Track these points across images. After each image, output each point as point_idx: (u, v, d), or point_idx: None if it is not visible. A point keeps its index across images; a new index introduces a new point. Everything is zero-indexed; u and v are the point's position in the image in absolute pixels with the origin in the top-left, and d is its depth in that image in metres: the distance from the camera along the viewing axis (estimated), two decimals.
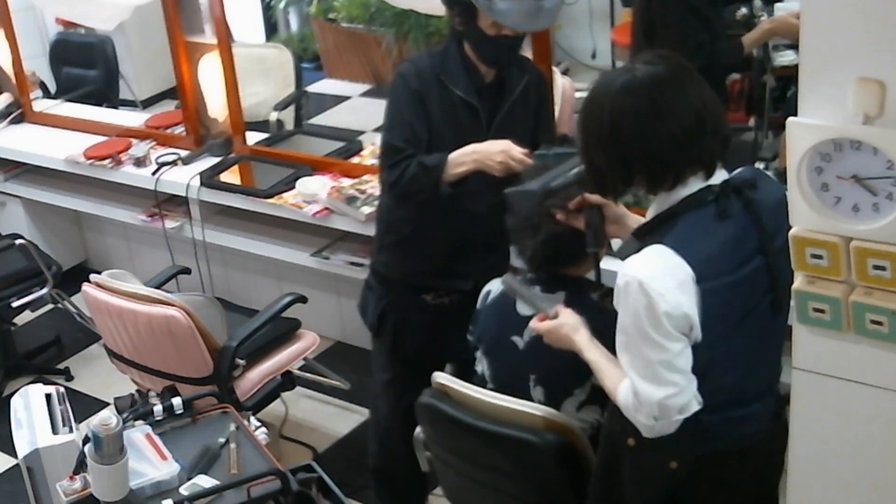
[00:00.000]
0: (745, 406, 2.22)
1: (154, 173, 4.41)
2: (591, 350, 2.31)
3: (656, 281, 2.04)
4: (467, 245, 2.99)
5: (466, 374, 2.80)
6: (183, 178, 4.31)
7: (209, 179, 4.25)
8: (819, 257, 1.86)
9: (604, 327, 2.61)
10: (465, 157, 2.82)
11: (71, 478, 2.35)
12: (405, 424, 2.93)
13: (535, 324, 2.45)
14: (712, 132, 2.11)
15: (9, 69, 5.09)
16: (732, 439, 2.19)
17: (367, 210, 3.75)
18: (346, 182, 4.00)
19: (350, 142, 4.42)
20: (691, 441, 2.18)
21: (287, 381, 3.66)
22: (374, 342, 3.27)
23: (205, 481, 2.38)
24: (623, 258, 2.15)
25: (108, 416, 2.17)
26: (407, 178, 2.84)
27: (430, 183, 2.83)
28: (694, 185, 2.14)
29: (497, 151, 2.77)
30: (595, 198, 2.41)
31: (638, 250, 2.12)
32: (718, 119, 2.15)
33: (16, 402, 2.88)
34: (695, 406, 2.10)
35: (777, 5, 3.74)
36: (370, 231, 3.59)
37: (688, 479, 2.25)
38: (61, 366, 4.68)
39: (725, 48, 3.53)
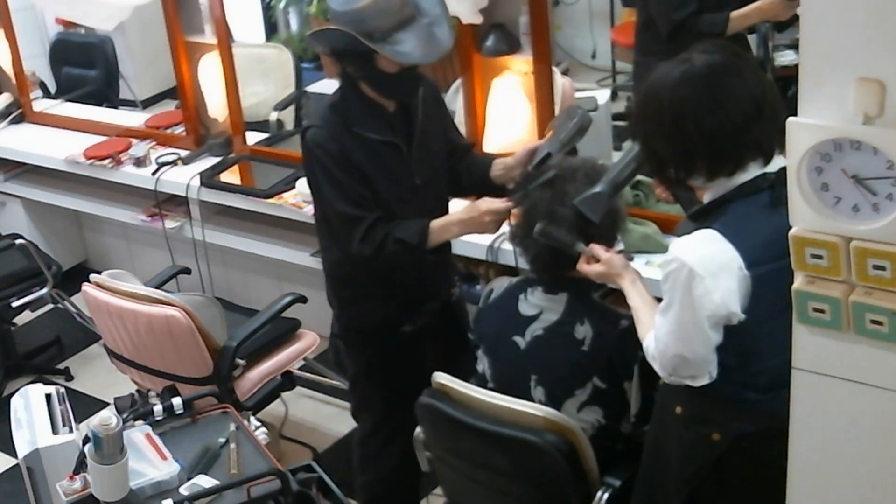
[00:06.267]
0: None
1: (154, 173, 4.41)
2: (632, 296, 2.42)
3: (699, 264, 2.11)
4: (425, 266, 2.95)
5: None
6: (183, 178, 4.31)
7: (209, 179, 4.25)
8: (819, 257, 1.86)
9: (605, 328, 2.63)
10: (449, 228, 2.84)
11: (71, 478, 2.34)
12: (403, 465, 2.95)
13: (582, 266, 2.54)
14: (771, 118, 2.14)
15: (9, 69, 5.09)
16: (779, 418, 2.19)
17: None
18: None
19: None
20: (737, 416, 2.25)
21: (287, 381, 3.66)
22: (362, 388, 3.21)
23: (205, 481, 2.38)
24: (678, 237, 2.24)
25: (108, 416, 2.17)
26: (387, 254, 2.82)
27: (414, 258, 2.85)
28: (753, 171, 2.18)
29: (482, 214, 2.78)
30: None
31: (690, 232, 2.18)
32: (776, 106, 2.18)
33: (16, 402, 2.87)
34: (706, 378, 2.20)
35: None
36: None
37: (730, 453, 2.28)
38: (61, 366, 4.68)
39: (709, 19, 3.45)
